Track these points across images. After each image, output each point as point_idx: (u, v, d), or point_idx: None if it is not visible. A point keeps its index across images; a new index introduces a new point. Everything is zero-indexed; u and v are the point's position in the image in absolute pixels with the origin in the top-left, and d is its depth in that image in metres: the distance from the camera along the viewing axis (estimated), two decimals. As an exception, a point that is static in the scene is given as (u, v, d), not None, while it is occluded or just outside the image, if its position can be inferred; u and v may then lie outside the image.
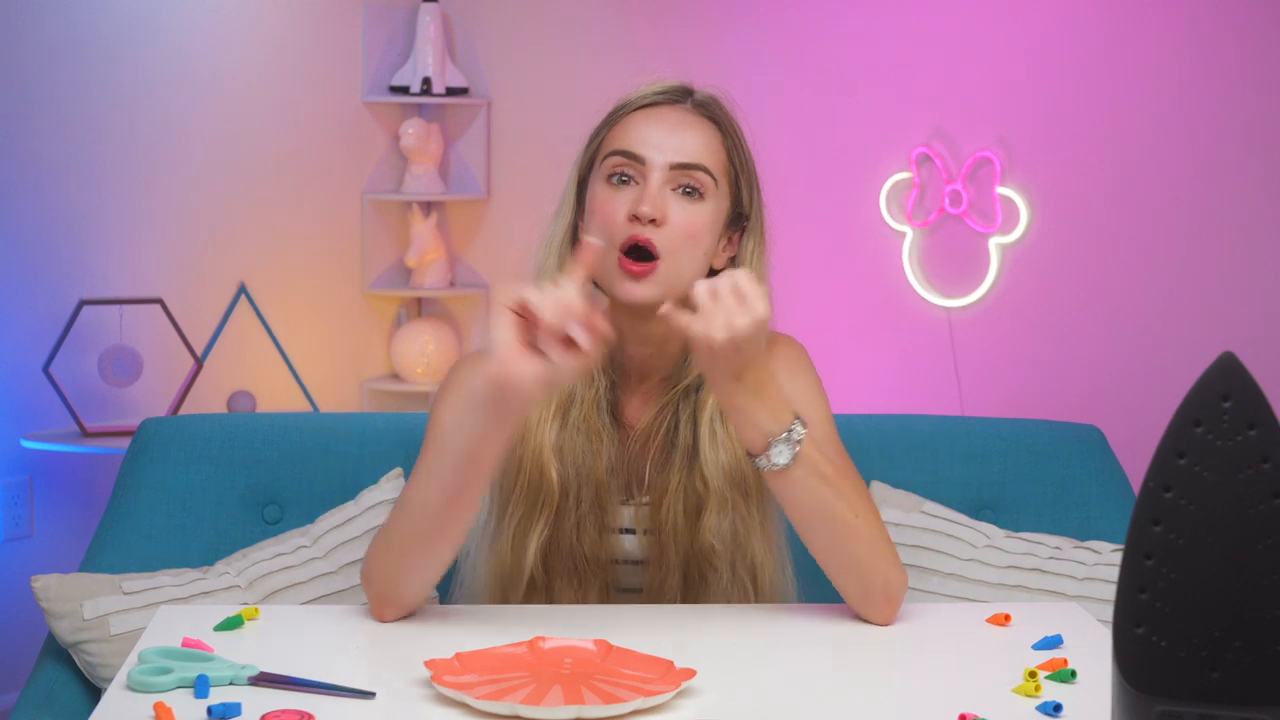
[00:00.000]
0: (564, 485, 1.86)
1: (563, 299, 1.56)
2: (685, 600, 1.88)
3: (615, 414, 1.90)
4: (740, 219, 1.88)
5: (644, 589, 1.91)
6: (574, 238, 1.88)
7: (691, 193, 1.82)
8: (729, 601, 1.88)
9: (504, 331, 1.57)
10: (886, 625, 1.75)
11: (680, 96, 1.88)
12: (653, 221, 1.79)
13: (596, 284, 1.84)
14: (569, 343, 1.57)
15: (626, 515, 1.90)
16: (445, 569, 1.74)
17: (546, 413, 1.85)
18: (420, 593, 1.74)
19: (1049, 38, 3.87)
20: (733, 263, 1.88)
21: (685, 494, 1.86)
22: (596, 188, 1.85)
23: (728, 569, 1.88)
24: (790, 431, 1.69)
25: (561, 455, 1.85)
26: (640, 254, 1.79)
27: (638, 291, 1.79)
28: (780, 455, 1.69)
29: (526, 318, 1.57)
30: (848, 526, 1.73)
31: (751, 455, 1.71)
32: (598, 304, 1.68)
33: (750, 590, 1.89)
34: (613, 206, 1.81)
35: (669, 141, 1.83)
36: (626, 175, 1.82)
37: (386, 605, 1.73)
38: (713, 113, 1.89)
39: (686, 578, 1.89)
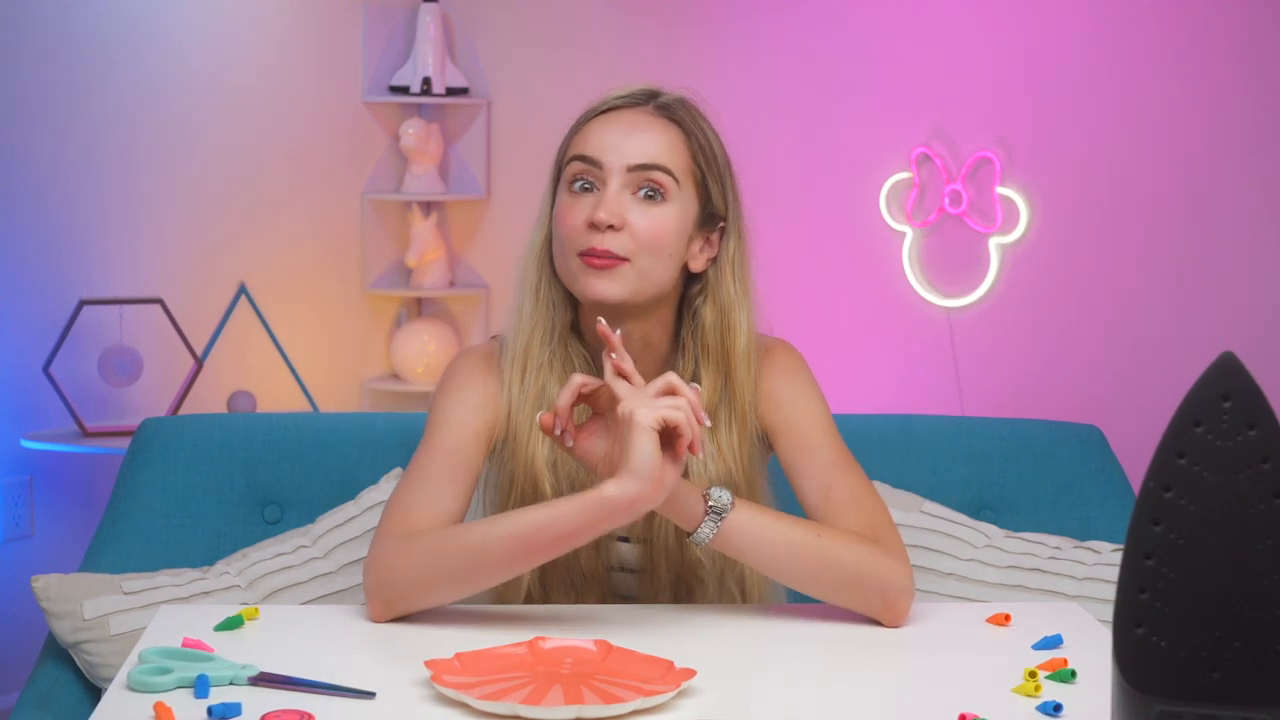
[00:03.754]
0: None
1: (691, 400, 1.64)
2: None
3: None
4: (714, 219, 1.86)
5: (638, 599, 1.90)
6: (550, 248, 1.87)
7: (653, 195, 1.80)
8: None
9: (654, 447, 1.62)
10: (897, 626, 1.75)
11: (643, 100, 1.86)
12: (611, 227, 1.78)
13: (568, 288, 1.84)
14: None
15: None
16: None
17: (537, 427, 1.84)
18: (421, 607, 1.74)
19: (1049, 38, 3.87)
20: (713, 264, 1.87)
21: None
22: (560, 196, 1.84)
23: (715, 581, 1.88)
24: (712, 490, 1.70)
25: (555, 469, 1.84)
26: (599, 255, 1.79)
27: (602, 287, 1.78)
28: (717, 508, 1.70)
29: (669, 430, 1.63)
30: (810, 548, 1.72)
31: (693, 534, 1.71)
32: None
33: (739, 600, 1.90)
34: (572, 213, 1.80)
35: (626, 144, 1.81)
36: (587, 182, 1.81)
37: (389, 610, 1.72)
38: (675, 114, 1.85)
39: (676, 592, 1.88)
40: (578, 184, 1.82)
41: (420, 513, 1.75)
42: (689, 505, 1.70)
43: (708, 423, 1.65)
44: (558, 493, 1.84)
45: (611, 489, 1.62)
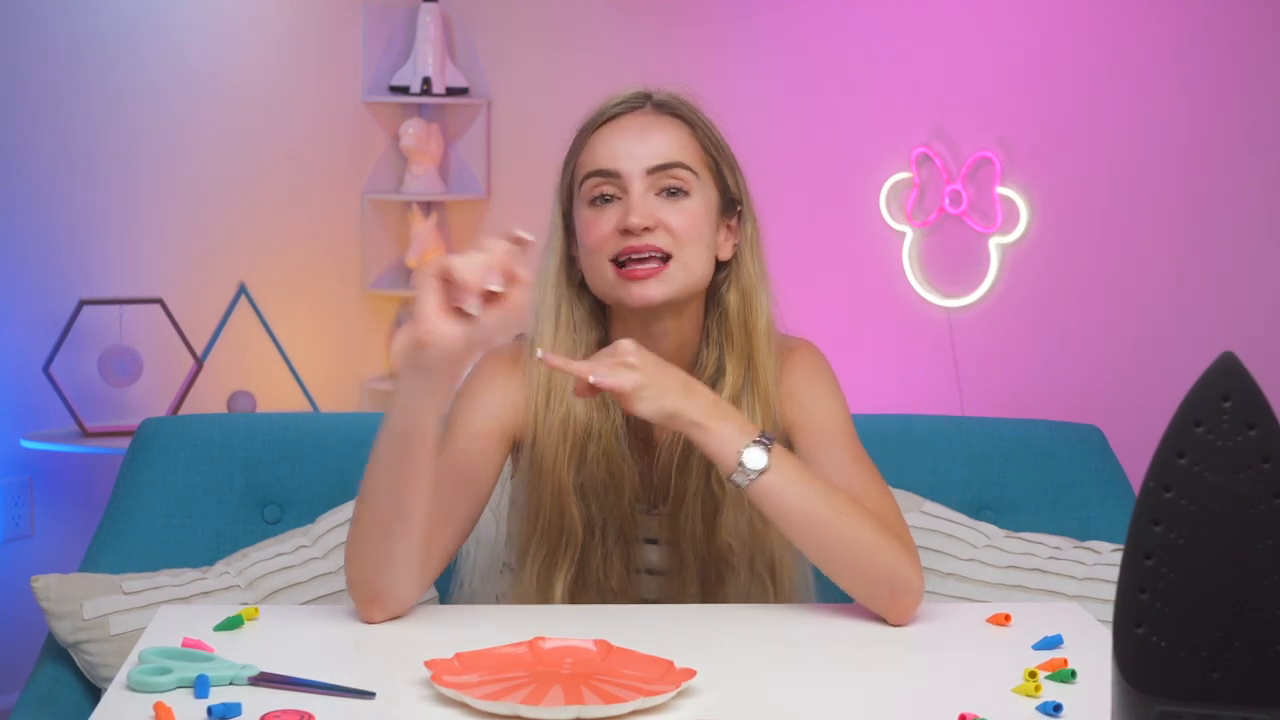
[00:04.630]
0: (588, 523, 1.83)
1: (481, 259, 1.55)
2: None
3: (644, 435, 1.88)
4: (733, 205, 1.87)
5: (662, 600, 1.90)
6: (568, 269, 1.86)
7: (676, 192, 1.81)
8: (749, 601, 1.88)
9: (427, 296, 1.57)
10: (902, 624, 1.74)
11: (639, 102, 1.86)
12: (646, 230, 1.77)
13: (603, 301, 1.84)
14: (491, 299, 1.56)
15: (652, 525, 1.89)
16: (416, 556, 1.69)
17: (563, 450, 1.82)
18: (400, 585, 1.70)
19: (1049, 38, 3.87)
20: (737, 250, 1.88)
21: (703, 500, 1.84)
22: (582, 213, 1.83)
23: (746, 568, 1.87)
24: (749, 449, 1.70)
25: (583, 493, 1.83)
26: (637, 262, 1.78)
27: (651, 292, 1.77)
28: (749, 469, 1.70)
29: (450, 283, 1.56)
30: (832, 527, 1.72)
31: (731, 475, 1.71)
32: (519, 255, 1.59)
33: (769, 586, 1.89)
34: (599, 225, 1.80)
35: (639, 148, 1.81)
36: (607, 195, 1.81)
37: (371, 604, 1.70)
38: (675, 109, 1.86)
39: (705, 582, 1.87)
40: (599, 199, 1.81)
41: None
42: (729, 452, 1.70)
43: (495, 285, 1.53)
44: (586, 517, 1.83)
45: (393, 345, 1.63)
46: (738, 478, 1.70)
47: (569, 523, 1.82)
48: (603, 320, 1.87)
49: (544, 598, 1.84)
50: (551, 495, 1.83)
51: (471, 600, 1.97)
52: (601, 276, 1.80)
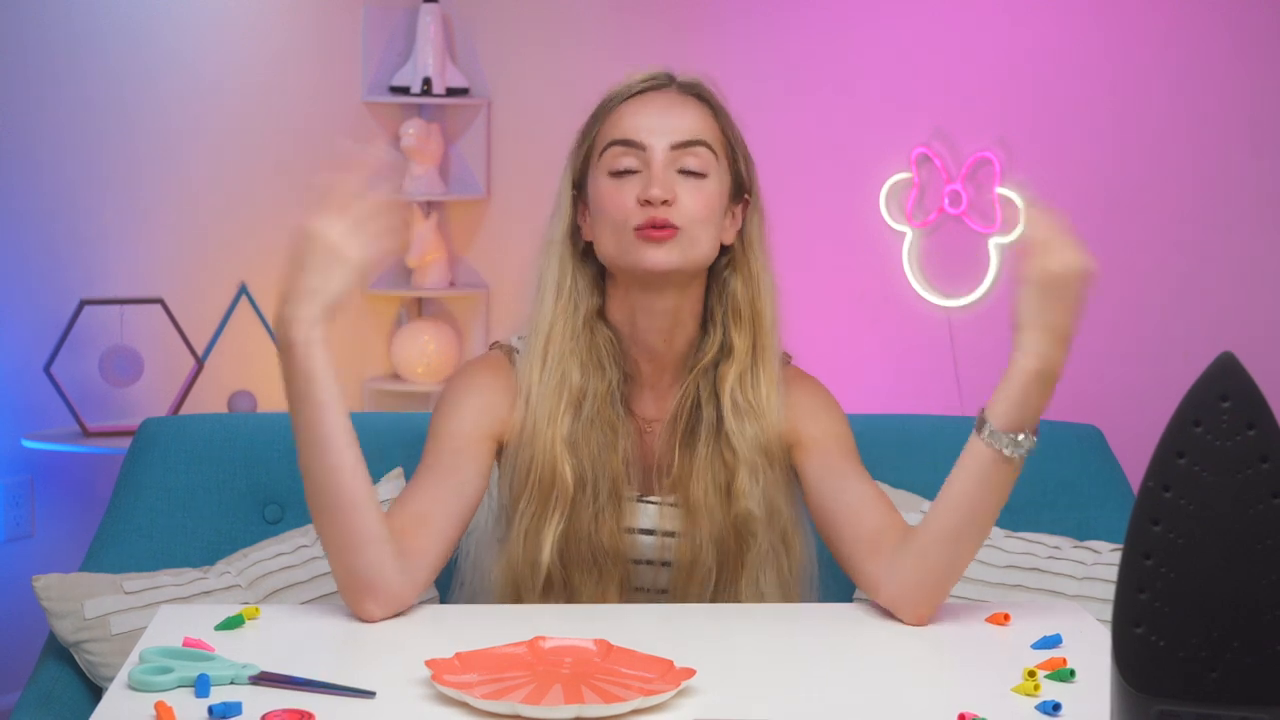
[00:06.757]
0: (579, 478, 1.85)
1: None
2: (718, 584, 1.88)
3: (631, 404, 1.91)
4: (740, 192, 1.90)
5: (670, 590, 1.90)
6: (573, 238, 1.89)
7: (695, 173, 1.84)
8: (765, 570, 1.88)
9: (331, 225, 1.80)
10: (921, 624, 1.75)
11: (665, 82, 1.90)
12: (665, 203, 1.80)
13: (612, 270, 1.85)
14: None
15: (645, 515, 1.90)
16: (384, 535, 1.69)
17: (558, 408, 1.85)
18: (383, 570, 1.69)
19: (1049, 38, 3.88)
20: (740, 237, 1.90)
21: (714, 469, 1.86)
22: (600, 183, 1.85)
23: (765, 533, 1.88)
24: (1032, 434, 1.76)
25: (576, 449, 1.85)
26: (654, 228, 1.81)
27: (660, 257, 1.80)
28: (1026, 444, 1.77)
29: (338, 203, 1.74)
30: (983, 535, 1.77)
31: (1005, 431, 1.79)
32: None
33: (784, 554, 1.90)
34: (621, 196, 1.82)
35: (665, 124, 1.84)
36: (629, 166, 1.83)
37: (362, 595, 1.69)
38: (699, 92, 1.91)
39: (720, 558, 1.87)
40: (619, 169, 1.84)
41: (395, 520, 1.75)
42: (1034, 415, 1.81)
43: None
44: (578, 474, 1.84)
45: None
46: (1024, 440, 1.76)
47: (560, 479, 1.83)
48: (602, 289, 1.90)
49: (532, 556, 1.84)
50: (544, 450, 1.84)
51: (472, 600, 1.97)
52: (618, 243, 1.82)
